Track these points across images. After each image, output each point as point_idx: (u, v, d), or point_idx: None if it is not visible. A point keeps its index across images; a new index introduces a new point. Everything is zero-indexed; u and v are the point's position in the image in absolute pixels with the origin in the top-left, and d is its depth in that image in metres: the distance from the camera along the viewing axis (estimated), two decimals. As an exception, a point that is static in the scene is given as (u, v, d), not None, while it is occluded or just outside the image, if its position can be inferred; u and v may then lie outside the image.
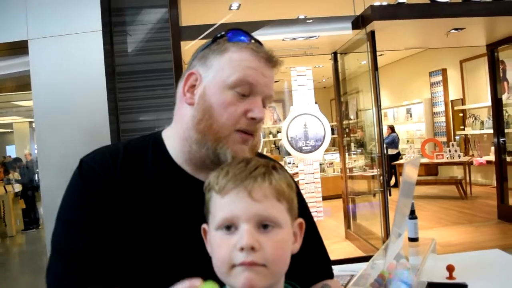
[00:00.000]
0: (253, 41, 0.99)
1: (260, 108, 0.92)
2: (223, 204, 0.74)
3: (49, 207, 3.34)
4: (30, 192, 7.44)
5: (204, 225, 0.81)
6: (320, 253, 1.09)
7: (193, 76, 0.96)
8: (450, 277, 1.56)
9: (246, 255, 0.69)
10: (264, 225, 0.72)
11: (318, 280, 1.03)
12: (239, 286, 0.70)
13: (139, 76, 3.71)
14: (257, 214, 0.72)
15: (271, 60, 0.95)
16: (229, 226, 0.73)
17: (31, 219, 7.35)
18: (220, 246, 0.73)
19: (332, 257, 1.13)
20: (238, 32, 0.98)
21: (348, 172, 5.82)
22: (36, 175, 7.12)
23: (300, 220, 0.81)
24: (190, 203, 0.93)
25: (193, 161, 0.97)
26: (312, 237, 1.07)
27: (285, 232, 0.75)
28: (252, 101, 0.92)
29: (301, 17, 4.90)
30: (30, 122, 8.99)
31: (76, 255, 0.87)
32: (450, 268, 1.57)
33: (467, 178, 7.71)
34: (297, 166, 6.04)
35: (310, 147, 5.47)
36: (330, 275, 1.08)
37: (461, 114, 9.13)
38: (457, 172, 8.71)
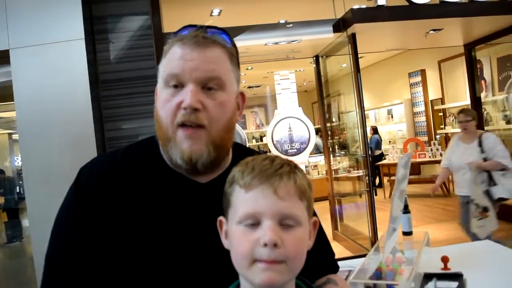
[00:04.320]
0: (194, 29, 0.94)
1: (190, 95, 0.86)
2: (247, 199, 0.74)
3: (34, 217, 3.29)
4: (12, 204, 7.27)
5: (220, 218, 0.81)
6: (324, 247, 1.11)
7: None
8: (445, 267, 1.59)
9: (269, 251, 0.70)
10: (286, 223, 0.73)
11: (323, 274, 1.05)
12: (258, 282, 0.71)
13: (123, 83, 3.69)
14: (281, 211, 0.73)
15: (199, 42, 0.89)
16: (252, 222, 0.73)
17: (13, 232, 7.19)
18: (241, 240, 0.73)
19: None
20: (182, 29, 0.95)
21: (333, 174, 5.87)
22: (18, 187, 6.96)
23: (315, 218, 0.82)
24: (190, 206, 0.92)
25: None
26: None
27: (304, 230, 0.76)
28: (184, 91, 0.88)
29: (282, 21, 4.94)
30: (10, 134, 8.81)
31: (66, 272, 0.87)
32: (444, 259, 1.60)
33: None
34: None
35: (295, 150, 5.50)
36: (335, 269, 1.09)
37: (441, 114, 9.28)
38: (439, 171, 8.82)
